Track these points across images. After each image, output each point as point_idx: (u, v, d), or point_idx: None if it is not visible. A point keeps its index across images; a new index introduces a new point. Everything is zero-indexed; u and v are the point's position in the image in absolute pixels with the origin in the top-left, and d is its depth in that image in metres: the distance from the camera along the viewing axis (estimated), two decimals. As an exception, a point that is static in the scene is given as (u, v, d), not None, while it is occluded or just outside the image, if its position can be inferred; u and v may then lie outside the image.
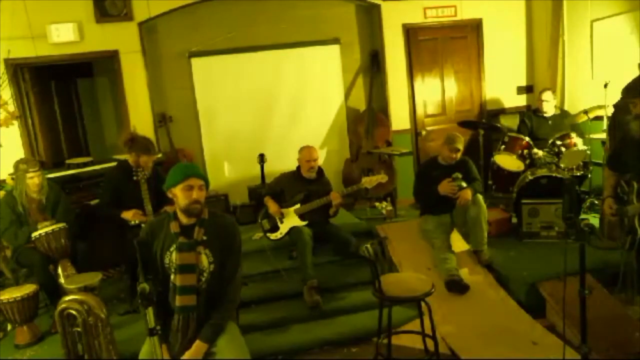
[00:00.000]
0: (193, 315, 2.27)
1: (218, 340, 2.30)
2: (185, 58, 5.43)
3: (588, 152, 4.69)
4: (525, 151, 4.80)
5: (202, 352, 2.25)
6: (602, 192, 2.98)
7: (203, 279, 2.29)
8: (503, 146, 4.92)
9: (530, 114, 5.27)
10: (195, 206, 2.28)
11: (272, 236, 4.14)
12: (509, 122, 5.86)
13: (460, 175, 3.99)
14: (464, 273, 3.93)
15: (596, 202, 4.81)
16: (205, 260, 2.30)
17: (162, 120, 5.35)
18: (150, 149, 3.90)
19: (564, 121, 5.06)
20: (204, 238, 2.30)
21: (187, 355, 2.24)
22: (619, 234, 2.82)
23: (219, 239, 2.34)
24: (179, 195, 2.28)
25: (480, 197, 4.10)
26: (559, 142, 4.72)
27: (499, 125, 5.39)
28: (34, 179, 3.73)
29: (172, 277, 2.28)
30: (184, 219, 2.32)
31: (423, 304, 2.88)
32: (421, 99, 5.94)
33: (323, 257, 4.12)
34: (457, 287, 3.74)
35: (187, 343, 2.28)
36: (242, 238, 4.70)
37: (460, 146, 4.11)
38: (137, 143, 3.86)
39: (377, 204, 5.16)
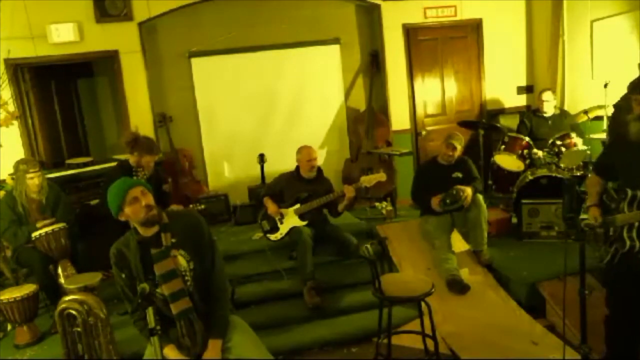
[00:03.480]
0: (194, 316, 2.26)
1: (232, 336, 2.30)
2: (185, 58, 5.43)
3: (588, 152, 4.68)
4: (525, 151, 4.80)
5: (219, 347, 2.25)
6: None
7: (188, 278, 2.27)
8: (503, 146, 4.92)
9: (530, 114, 5.26)
10: (151, 213, 2.20)
11: (272, 237, 4.14)
12: (509, 122, 5.85)
13: (454, 193, 3.96)
14: (464, 273, 3.93)
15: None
16: (183, 260, 2.26)
17: (162, 120, 5.35)
18: (153, 149, 3.92)
19: (564, 121, 5.05)
20: (173, 241, 2.25)
21: (205, 355, 2.23)
22: (601, 246, 2.53)
23: (187, 235, 2.30)
24: (130, 211, 2.20)
25: (480, 197, 4.10)
26: (559, 142, 4.71)
27: (499, 125, 5.38)
28: (33, 180, 3.73)
29: (158, 289, 2.24)
30: (147, 232, 2.25)
31: (423, 304, 2.88)
32: (421, 99, 5.93)
33: (323, 257, 4.11)
34: (457, 287, 3.74)
35: (200, 344, 2.26)
36: (242, 238, 4.74)
37: (457, 144, 4.11)
38: (140, 143, 3.88)
39: (377, 204, 5.16)
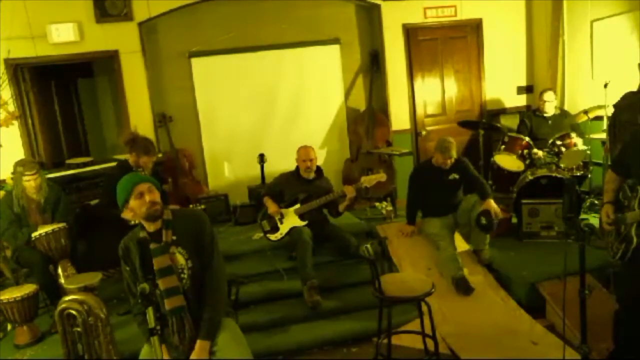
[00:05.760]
0: (186, 315, 2.27)
1: (218, 339, 2.30)
2: (185, 58, 5.43)
3: (588, 152, 4.68)
4: (525, 151, 4.80)
5: (206, 349, 2.26)
6: (602, 196, 2.74)
7: (184, 276, 2.29)
8: (503, 146, 4.92)
9: (530, 114, 5.26)
10: (154, 208, 2.24)
11: (272, 237, 4.13)
12: (509, 122, 5.85)
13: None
14: (464, 273, 3.92)
15: (596, 202, 4.81)
16: (181, 258, 2.29)
17: (162, 120, 5.35)
18: (151, 150, 3.93)
19: (564, 121, 5.05)
20: (174, 238, 2.29)
21: (193, 356, 2.24)
22: (612, 242, 2.62)
23: (189, 234, 2.33)
24: (135, 206, 2.25)
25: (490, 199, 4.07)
26: (559, 142, 4.71)
27: (499, 125, 5.38)
28: (30, 182, 3.72)
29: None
30: (150, 227, 2.29)
31: (423, 304, 2.88)
32: (421, 99, 5.94)
33: (323, 257, 4.11)
34: (464, 287, 3.73)
35: (187, 343, 2.27)
36: (241, 238, 4.74)
37: (455, 153, 4.10)
38: (138, 143, 3.89)
39: (377, 204, 5.16)
